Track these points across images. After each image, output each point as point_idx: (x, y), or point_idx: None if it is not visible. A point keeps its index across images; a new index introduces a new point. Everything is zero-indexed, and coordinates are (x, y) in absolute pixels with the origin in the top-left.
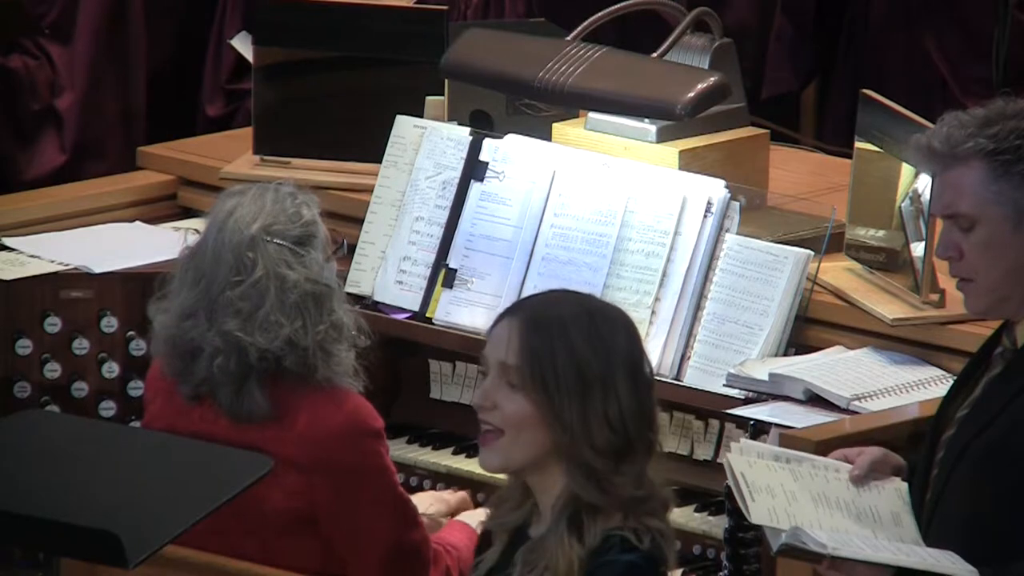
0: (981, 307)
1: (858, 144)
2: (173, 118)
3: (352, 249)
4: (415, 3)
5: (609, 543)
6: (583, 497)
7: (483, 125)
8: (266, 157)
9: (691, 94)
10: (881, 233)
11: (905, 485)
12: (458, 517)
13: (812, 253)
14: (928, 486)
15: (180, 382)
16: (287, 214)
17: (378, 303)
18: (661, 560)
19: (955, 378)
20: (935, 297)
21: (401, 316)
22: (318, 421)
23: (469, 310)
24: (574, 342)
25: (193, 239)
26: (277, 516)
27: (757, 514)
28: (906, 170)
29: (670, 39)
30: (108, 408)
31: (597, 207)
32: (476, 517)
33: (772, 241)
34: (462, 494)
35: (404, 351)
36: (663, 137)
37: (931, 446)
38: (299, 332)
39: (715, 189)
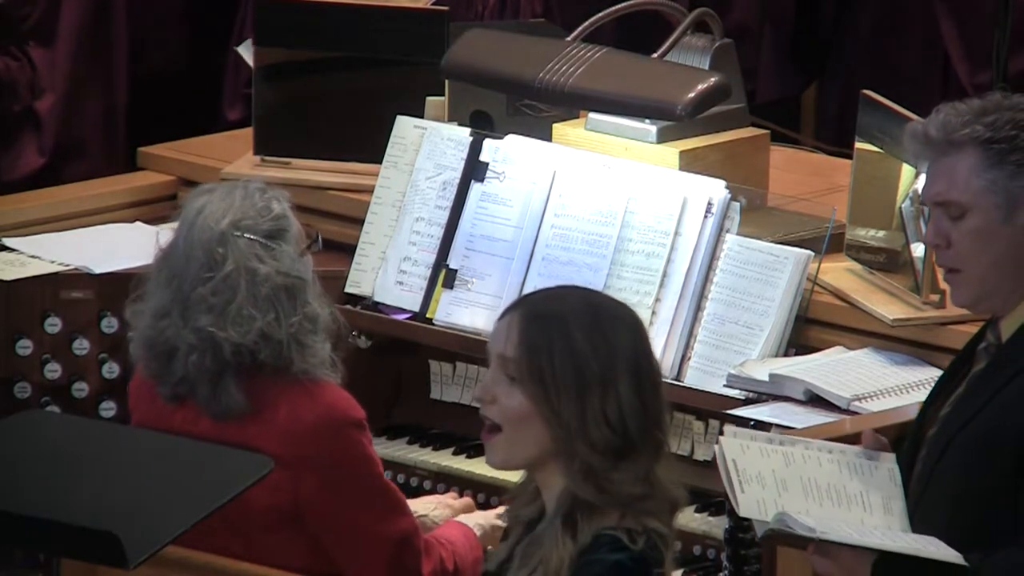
0: (967, 298)
1: (858, 145)
2: (189, 120)
3: (341, 247)
4: (431, 3)
5: (599, 542)
6: (581, 495)
7: (483, 125)
8: (266, 157)
9: (692, 95)
10: (881, 234)
11: (896, 466)
12: (458, 518)
13: (812, 254)
14: (910, 481)
15: (158, 383)
16: (256, 208)
17: (378, 303)
18: (654, 562)
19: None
20: (935, 298)
21: (401, 316)
22: (297, 415)
23: (469, 311)
24: (573, 337)
25: (165, 240)
26: (262, 514)
27: (746, 506)
28: (906, 170)
29: (671, 39)
30: (108, 408)
31: (597, 207)
32: (473, 519)
33: (772, 242)
34: (467, 500)
35: (404, 352)
36: (663, 137)
37: (914, 444)
38: (272, 325)
39: (715, 190)
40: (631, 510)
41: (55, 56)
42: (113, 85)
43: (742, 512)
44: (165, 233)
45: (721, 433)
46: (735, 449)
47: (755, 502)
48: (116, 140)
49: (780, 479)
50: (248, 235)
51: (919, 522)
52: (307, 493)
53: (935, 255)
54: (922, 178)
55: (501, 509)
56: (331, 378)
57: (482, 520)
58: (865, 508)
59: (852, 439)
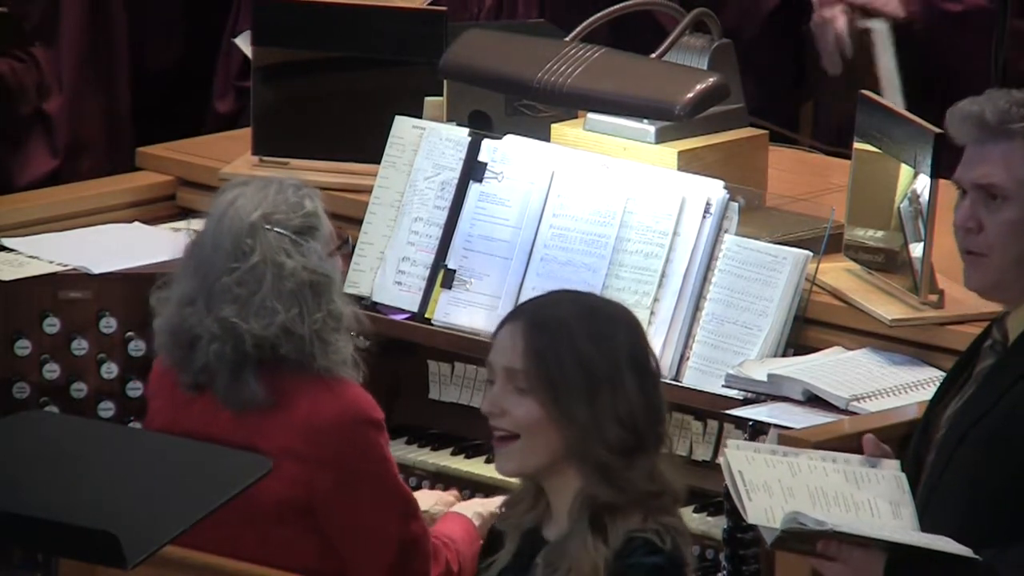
0: (986, 283)
1: (857, 145)
2: (181, 115)
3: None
4: (427, 4)
5: (632, 545)
6: (600, 497)
7: (482, 126)
8: (265, 158)
9: (690, 95)
10: (880, 234)
11: (902, 474)
12: (453, 508)
13: (811, 254)
14: (919, 482)
15: (180, 371)
16: (288, 203)
17: (377, 304)
18: (683, 561)
19: (946, 375)
20: (934, 298)
21: (400, 317)
22: (317, 410)
23: (468, 311)
24: (578, 341)
25: (197, 229)
26: (275, 506)
27: (754, 513)
28: (905, 170)
29: (669, 39)
30: (107, 409)
31: (596, 208)
32: (471, 508)
33: (771, 242)
34: (473, 501)
35: (403, 352)
36: (662, 138)
37: (921, 444)
38: (295, 320)
39: (714, 190)
40: (649, 508)
41: (60, 56)
42: (116, 85)
43: (750, 519)
44: (197, 223)
45: (720, 433)
46: (740, 460)
47: (763, 510)
48: (122, 140)
49: (787, 488)
50: (278, 229)
51: (930, 520)
52: (321, 488)
53: (960, 236)
54: (921, 178)
55: (500, 499)
56: (352, 377)
57: (481, 509)
58: (873, 514)
59: (851, 439)
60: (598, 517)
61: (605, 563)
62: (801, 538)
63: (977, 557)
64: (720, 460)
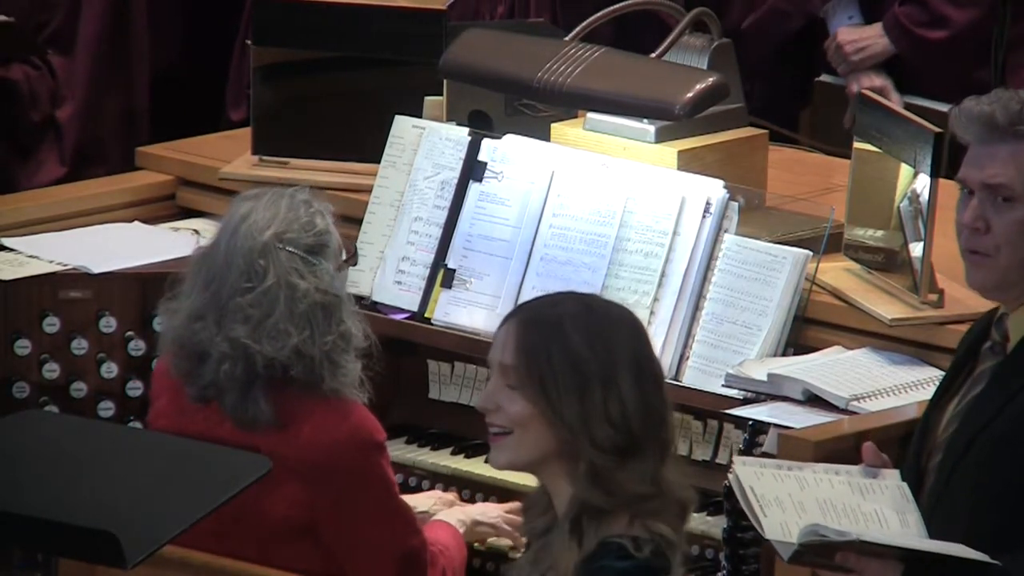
0: (989, 283)
1: (857, 144)
2: (193, 122)
3: None
4: (447, 3)
5: (606, 549)
6: (589, 500)
7: (482, 125)
8: (264, 157)
9: (690, 94)
10: (880, 233)
11: (904, 483)
12: (437, 516)
13: (811, 253)
14: (923, 485)
15: (186, 383)
16: (300, 222)
17: (377, 303)
18: (660, 570)
19: (943, 375)
20: (933, 297)
21: (400, 316)
22: (322, 431)
23: (468, 310)
24: (570, 340)
25: (207, 239)
26: (277, 524)
27: (770, 529)
28: (904, 170)
29: (669, 39)
30: (107, 408)
31: (596, 207)
32: (455, 515)
33: (771, 241)
34: (455, 509)
35: (403, 351)
36: (662, 137)
37: (921, 446)
38: (307, 342)
39: (714, 189)
40: (639, 511)
41: (75, 64)
42: (133, 91)
43: (768, 535)
44: (209, 231)
45: (720, 433)
46: (750, 476)
47: (778, 525)
48: (138, 146)
49: (797, 502)
50: (290, 248)
51: (937, 526)
52: (322, 506)
53: (965, 236)
54: (921, 178)
55: (479, 505)
56: (358, 397)
57: (463, 516)
58: (882, 524)
59: (850, 439)
60: (578, 519)
61: (575, 566)
62: (820, 551)
63: (995, 562)
64: (729, 476)
